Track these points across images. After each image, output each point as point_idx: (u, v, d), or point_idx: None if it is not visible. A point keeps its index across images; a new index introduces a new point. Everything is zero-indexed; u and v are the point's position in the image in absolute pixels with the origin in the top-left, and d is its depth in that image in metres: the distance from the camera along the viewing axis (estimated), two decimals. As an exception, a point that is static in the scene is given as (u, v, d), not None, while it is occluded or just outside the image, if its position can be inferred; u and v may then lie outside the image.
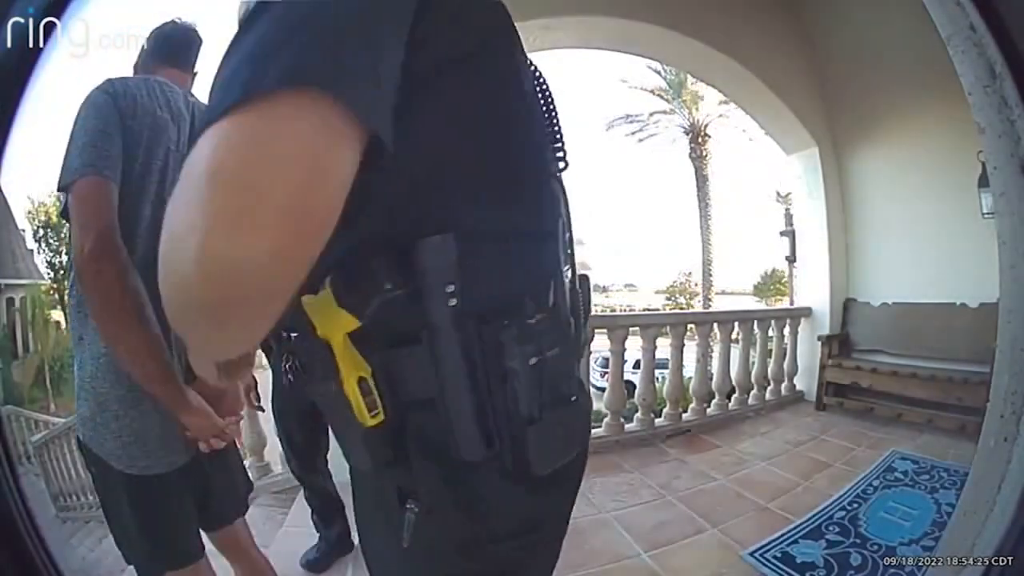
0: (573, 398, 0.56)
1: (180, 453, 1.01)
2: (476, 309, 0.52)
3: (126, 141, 0.93)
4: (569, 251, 0.65)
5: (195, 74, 1.15)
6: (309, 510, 2.06)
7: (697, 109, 14.54)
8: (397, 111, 0.41)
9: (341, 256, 0.46)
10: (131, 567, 1.07)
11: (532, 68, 0.65)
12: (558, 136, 0.66)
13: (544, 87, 0.66)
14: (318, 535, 2.03)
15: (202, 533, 1.13)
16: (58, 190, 0.92)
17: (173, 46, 1.10)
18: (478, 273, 0.52)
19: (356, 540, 1.88)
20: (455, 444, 0.52)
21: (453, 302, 0.50)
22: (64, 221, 0.93)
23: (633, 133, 16.04)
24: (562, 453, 0.56)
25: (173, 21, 1.12)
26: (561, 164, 0.66)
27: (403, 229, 0.51)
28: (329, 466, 2.01)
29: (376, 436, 0.53)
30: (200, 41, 1.14)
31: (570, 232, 0.66)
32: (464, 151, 0.53)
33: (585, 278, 0.69)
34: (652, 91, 14.79)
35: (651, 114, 15.51)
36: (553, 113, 0.66)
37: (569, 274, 0.63)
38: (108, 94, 0.94)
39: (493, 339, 0.51)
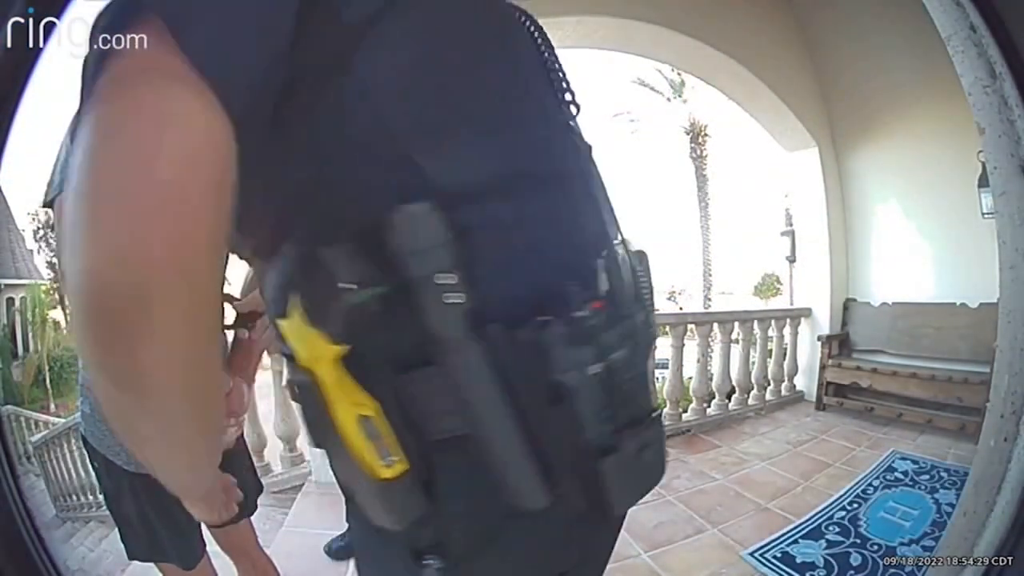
0: (653, 412, 0.43)
1: None
2: (495, 306, 0.38)
3: None
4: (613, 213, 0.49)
5: None
6: (344, 498, 2.04)
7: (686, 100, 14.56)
8: (328, 67, 0.37)
9: (300, 257, 0.39)
10: (132, 566, 1.07)
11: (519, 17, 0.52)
12: (561, 76, 0.51)
13: (531, 29, 0.52)
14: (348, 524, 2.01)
15: (206, 532, 1.13)
16: (43, 206, 0.95)
17: None
18: (485, 252, 0.38)
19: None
20: (508, 492, 0.39)
21: (455, 299, 0.36)
22: None
23: (634, 132, 16.10)
24: (647, 483, 0.44)
25: None
26: (571, 109, 0.51)
27: (359, 203, 0.39)
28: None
29: (397, 491, 0.39)
30: None
31: (605, 192, 0.51)
32: (432, 90, 0.41)
33: (642, 253, 0.52)
34: (654, 88, 14.86)
35: (653, 113, 15.58)
36: (547, 54, 0.51)
37: (621, 243, 0.47)
38: None
39: (531, 346, 0.37)
